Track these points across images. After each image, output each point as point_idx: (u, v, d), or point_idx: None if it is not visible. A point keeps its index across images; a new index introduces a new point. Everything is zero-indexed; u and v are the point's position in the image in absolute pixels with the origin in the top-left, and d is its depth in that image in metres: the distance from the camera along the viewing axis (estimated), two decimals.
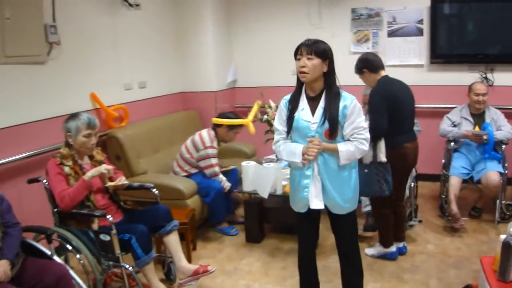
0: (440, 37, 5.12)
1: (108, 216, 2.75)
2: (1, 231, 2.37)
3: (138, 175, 4.12)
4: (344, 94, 2.49)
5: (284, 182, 3.84)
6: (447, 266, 3.48)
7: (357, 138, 2.45)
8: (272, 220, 4.20)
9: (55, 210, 2.89)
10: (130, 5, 4.53)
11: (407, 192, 3.82)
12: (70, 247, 2.76)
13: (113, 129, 4.22)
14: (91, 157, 3.07)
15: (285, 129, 2.56)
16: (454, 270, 3.41)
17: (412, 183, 4.14)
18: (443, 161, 4.49)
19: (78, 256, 2.78)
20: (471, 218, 4.32)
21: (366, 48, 5.38)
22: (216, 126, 4.24)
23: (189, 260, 3.49)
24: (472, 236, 3.99)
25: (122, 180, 3.05)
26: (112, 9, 4.34)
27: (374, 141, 3.15)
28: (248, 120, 4.26)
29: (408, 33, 5.25)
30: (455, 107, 4.53)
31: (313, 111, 2.48)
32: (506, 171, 4.16)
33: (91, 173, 2.88)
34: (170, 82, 5.41)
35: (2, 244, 2.34)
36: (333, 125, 2.42)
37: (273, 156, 4.42)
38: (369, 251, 3.69)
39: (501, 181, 4.02)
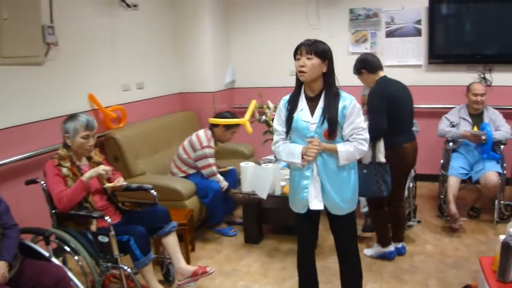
0: (438, 38, 5.12)
1: (107, 218, 2.73)
2: None
3: (136, 176, 4.11)
4: (344, 94, 2.48)
5: (282, 183, 3.83)
6: (446, 267, 3.47)
7: (356, 139, 2.44)
8: (270, 221, 4.19)
9: (53, 211, 2.88)
10: (128, 6, 4.52)
11: (405, 192, 3.82)
12: (68, 249, 2.75)
13: (111, 130, 4.21)
14: (89, 158, 3.06)
15: (284, 129, 2.56)
16: (453, 271, 3.40)
17: (411, 183, 4.14)
18: (441, 161, 4.49)
19: (76, 257, 2.76)
20: (470, 218, 4.33)
21: (364, 48, 5.38)
22: (213, 126, 4.24)
23: (188, 261, 3.48)
24: (471, 236, 3.99)
25: (120, 181, 3.04)
26: (110, 10, 4.33)
27: (373, 142, 3.15)
28: (245, 120, 4.26)
29: (406, 33, 5.26)
30: (454, 107, 4.53)
31: (312, 111, 2.48)
32: (505, 171, 4.16)
33: (89, 174, 2.87)
34: (168, 83, 5.40)
35: (0, 246, 2.32)
36: (332, 125, 2.42)
37: (271, 157, 4.41)
38: (368, 251, 3.69)
39: (500, 181, 4.02)
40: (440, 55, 5.17)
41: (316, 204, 2.51)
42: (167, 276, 3.35)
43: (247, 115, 4.34)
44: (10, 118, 3.31)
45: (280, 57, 5.62)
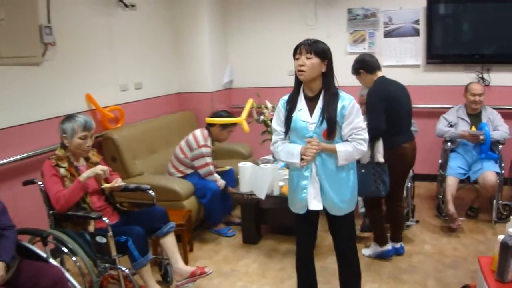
0: (436, 38, 5.13)
1: (104, 218, 2.73)
2: None
3: (134, 176, 4.10)
4: (343, 94, 2.48)
5: (281, 183, 3.83)
6: (445, 266, 3.47)
7: (355, 139, 2.44)
8: (269, 221, 4.19)
9: (51, 212, 2.87)
10: (126, 5, 4.51)
11: (404, 192, 3.82)
12: (66, 250, 2.73)
13: (108, 130, 4.20)
14: (87, 159, 3.05)
15: (283, 129, 2.55)
16: (452, 270, 3.40)
17: (409, 183, 4.14)
18: (440, 161, 4.50)
19: (74, 258, 2.75)
20: (468, 218, 4.33)
21: (362, 48, 5.38)
22: (209, 126, 4.23)
23: (186, 261, 3.47)
24: (469, 236, 3.99)
25: (118, 182, 3.03)
26: (108, 10, 4.32)
27: (372, 142, 3.15)
28: (241, 119, 4.26)
29: (404, 33, 5.25)
30: (452, 107, 4.54)
31: (311, 111, 2.47)
32: (503, 171, 4.16)
33: (86, 174, 2.86)
34: (166, 83, 5.40)
35: None
36: (331, 125, 2.41)
37: (269, 157, 4.40)
38: (366, 251, 3.69)
39: (498, 181, 4.02)
40: (438, 55, 5.17)
41: (315, 204, 2.50)
42: (165, 277, 3.34)
43: (244, 114, 4.34)
44: (7, 118, 3.29)
45: (278, 57, 5.62)
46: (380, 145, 3.26)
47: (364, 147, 2.46)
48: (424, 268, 3.46)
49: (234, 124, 4.27)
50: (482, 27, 5.00)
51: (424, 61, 5.24)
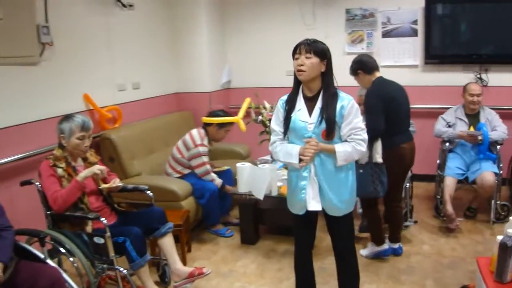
0: (434, 38, 5.13)
1: (102, 219, 2.72)
2: None
3: (132, 176, 4.09)
4: (342, 94, 2.47)
5: (279, 183, 3.82)
6: (443, 267, 3.47)
7: (354, 139, 2.43)
8: (267, 222, 4.18)
9: (48, 212, 2.86)
10: (124, 5, 4.50)
11: (402, 192, 3.82)
12: (63, 250, 2.72)
13: (106, 131, 4.18)
14: (84, 159, 3.04)
15: (282, 130, 2.55)
16: (450, 271, 3.40)
17: (407, 184, 4.14)
18: (438, 161, 4.50)
19: (71, 259, 2.74)
20: (466, 219, 4.33)
21: (360, 48, 5.38)
22: (206, 125, 4.22)
23: (184, 262, 3.46)
24: (467, 236, 3.99)
25: (116, 182, 3.02)
26: (105, 10, 4.31)
27: (370, 142, 3.15)
28: (238, 118, 4.25)
29: (403, 33, 5.26)
30: (450, 107, 4.54)
31: (310, 111, 2.47)
32: (501, 172, 4.16)
33: (84, 173, 2.85)
34: (164, 83, 5.38)
35: None
36: (330, 125, 2.41)
37: (268, 157, 4.40)
38: (363, 252, 3.69)
39: (496, 181, 4.02)
40: (436, 55, 5.17)
41: (314, 205, 2.50)
42: (163, 278, 3.33)
43: (241, 113, 4.33)
44: (5, 118, 3.28)
45: (276, 57, 5.62)
46: (378, 146, 3.26)
47: (363, 147, 2.45)
48: (422, 269, 3.46)
49: (231, 123, 4.26)
50: (480, 28, 5.00)
51: (422, 61, 5.25)
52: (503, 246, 2.17)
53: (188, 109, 5.52)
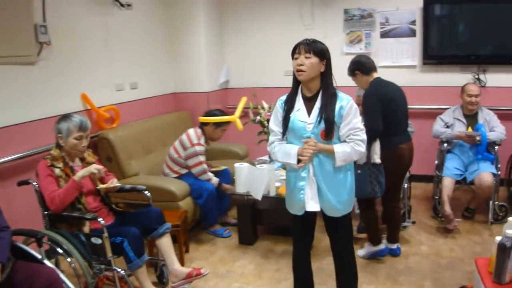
0: (432, 38, 5.13)
1: (100, 219, 2.71)
2: None
3: (130, 176, 4.07)
4: (341, 94, 2.47)
5: (277, 184, 3.82)
6: (441, 268, 3.47)
7: (353, 139, 2.42)
8: (265, 222, 4.17)
9: (46, 212, 2.84)
10: (122, 5, 4.49)
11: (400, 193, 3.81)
12: (60, 251, 2.71)
13: (104, 131, 4.17)
14: (82, 159, 3.02)
15: (281, 130, 2.54)
16: (448, 272, 3.40)
17: (406, 184, 4.13)
18: (436, 162, 4.50)
19: (69, 259, 2.73)
20: (464, 219, 4.33)
21: (359, 49, 5.38)
22: (203, 125, 4.22)
23: (182, 262, 3.45)
24: (465, 237, 3.99)
25: (114, 183, 3.01)
26: (103, 9, 4.29)
27: (368, 143, 3.14)
28: (234, 117, 4.25)
29: (401, 34, 5.26)
30: (448, 108, 4.54)
31: (309, 111, 2.46)
32: (499, 172, 4.16)
33: (81, 173, 2.83)
34: (162, 83, 5.37)
35: None
36: (329, 125, 2.40)
37: (266, 157, 4.40)
38: (360, 252, 3.68)
39: (494, 182, 4.02)
40: (434, 55, 5.17)
41: (313, 205, 2.49)
42: (161, 278, 3.32)
43: (237, 112, 4.33)
44: (2, 118, 3.26)
45: (274, 57, 5.62)
46: (377, 146, 3.26)
47: (362, 148, 2.45)
48: (420, 269, 3.46)
49: (227, 123, 4.26)
50: (478, 28, 5.01)
51: (420, 61, 5.25)
52: (501, 247, 2.17)
53: (186, 109, 5.51)
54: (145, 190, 3.24)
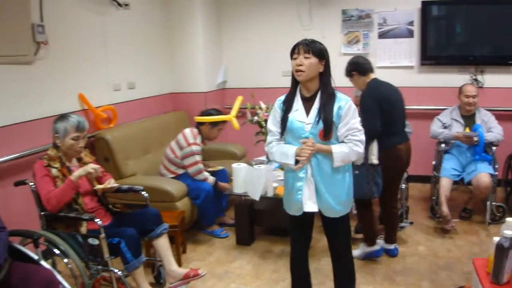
0: (430, 39, 5.14)
1: (97, 220, 2.69)
2: None
3: (127, 177, 4.06)
4: (339, 95, 2.47)
5: (275, 184, 3.81)
6: (439, 268, 3.47)
7: (351, 140, 2.42)
8: (263, 222, 4.17)
9: (42, 213, 2.83)
10: (119, 4, 4.47)
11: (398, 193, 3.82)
12: (57, 251, 2.70)
13: (101, 131, 4.16)
14: (79, 159, 3.01)
15: (279, 130, 2.54)
16: (446, 272, 3.40)
17: (403, 185, 4.14)
18: (433, 162, 4.50)
19: (65, 260, 2.72)
20: (462, 220, 4.34)
21: (356, 49, 5.38)
22: (199, 124, 4.21)
23: (179, 263, 3.44)
24: (463, 237, 3.99)
25: (111, 183, 2.99)
26: (101, 9, 4.28)
27: (366, 143, 3.14)
28: (231, 116, 4.24)
29: (399, 34, 5.26)
30: (446, 108, 4.54)
31: (307, 111, 2.46)
32: (497, 173, 4.16)
33: (78, 172, 2.82)
34: (160, 83, 5.36)
35: None
36: (327, 125, 2.40)
37: (263, 158, 4.39)
38: (355, 252, 3.66)
39: (492, 182, 4.03)
40: (432, 56, 5.18)
41: (311, 206, 2.49)
42: (158, 279, 3.31)
43: (233, 111, 4.32)
44: None
45: (272, 57, 5.62)
46: (374, 147, 3.26)
47: (361, 148, 2.44)
48: (418, 270, 3.46)
49: (223, 122, 4.26)
50: (476, 29, 5.02)
51: (418, 62, 5.25)
52: (499, 247, 2.17)
53: (184, 109, 5.50)
54: (143, 190, 3.23)
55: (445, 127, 4.37)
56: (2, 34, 3.18)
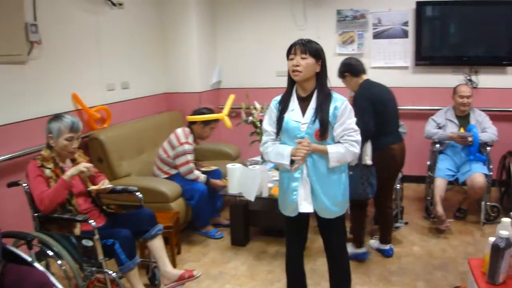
0: (425, 39, 5.15)
1: (91, 221, 2.67)
2: None
3: (121, 177, 4.04)
4: (335, 95, 2.46)
5: (270, 185, 3.80)
6: (434, 268, 3.47)
7: (347, 140, 2.41)
8: (258, 223, 4.15)
9: (36, 214, 2.80)
10: (113, 4, 4.45)
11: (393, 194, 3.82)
12: (51, 253, 2.67)
13: (95, 131, 4.13)
14: (73, 160, 2.99)
15: (274, 130, 2.53)
16: (441, 272, 3.41)
17: (398, 185, 4.14)
18: (428, 163, 4.51)
19: (59, 261, 2.69)
20: (456, 220, 4.35)
21: (351, 50, 5.37)
22: (191, 124, 4.19)
23: (174, 264, 3.43)
24: (458, 237, 4.00)
25: (105, 184, 2.97)
26: (95, 8, 4.26)
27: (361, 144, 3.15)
28: (222, 114, 4.23)
29: (393, 35, 5.26)
30: (440, 109, 4.55)
31: (303, 111, 2.45)
32: (491, 173, 4.17)
33: (70, 172, 2.78)
34: (154, 83, 5.34)
35: None
36: (323, 125, 2.39)
37: (258, 158, 4.38)
38: None
39: (486, 182, 4.04)
40: (426, 57, 5.18)
41: (306, 206, 2.48)
42: (153, 280, 3.29)
43: (225, 109, 4.31)
44: None
45: (267, 57, 5.62)
46: (368, 148, 3.26)
47: (357, 149, 2.43)
48: (413, 270, 3.46)
49: (216, 121, 4.25)
50: (470, 30, 5.03)
51: (412, 62, 5.26)
52: (495, 247, 2.17)
53: (178, 109, 5.48)
54: (137, 191, 3.21)
55: (440, 128, 4.38)
56: None
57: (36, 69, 3.56)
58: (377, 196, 3.45)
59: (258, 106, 4.34)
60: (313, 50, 2.39)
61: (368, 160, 3.26)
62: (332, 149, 2.41)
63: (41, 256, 2.74)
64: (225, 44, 5.90)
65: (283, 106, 2.51)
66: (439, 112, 4.50)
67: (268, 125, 2.57)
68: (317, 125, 2.40)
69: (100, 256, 2.67)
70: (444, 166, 4.24)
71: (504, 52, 4.95)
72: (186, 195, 3.97)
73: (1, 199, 3.19)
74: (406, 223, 4.26)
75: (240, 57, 5.85)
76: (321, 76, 2.45)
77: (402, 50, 5.26)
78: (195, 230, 4.22)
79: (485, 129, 4.24)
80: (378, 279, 3.34)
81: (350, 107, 2.44)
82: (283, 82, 2.56)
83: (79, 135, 2.91)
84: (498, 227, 2.26)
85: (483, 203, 4.17)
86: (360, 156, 3.23)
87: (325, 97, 2.42)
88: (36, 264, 2.47)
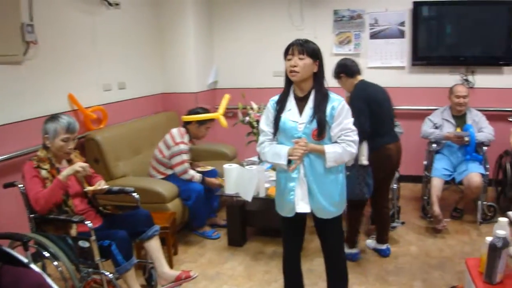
0: (421, 40, 5.15)
1: (87, 222, 2.66)
2: None
3: (117, 178, 4.03)
4: (333, 95, 2.46)
5: (267, 185, 3.80)
6: (431, 268, 3.48)
7: (344, 140, 2.42)
8: (254, 223, 4.15)
9: (32, 215, 2.79)
10: (110, 4, 4.43)
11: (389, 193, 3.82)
12: (47, 254, 2.66)
13: (91, 131, 4.11)
14: (69, 161, 2.97)
15: (272, 130, 2.53)
16: (438, 272, 3.41)
17: (395, 185, 4.15)
18: (425, 162, 4.51)
19: (55, 263, 2.68)
20: (453, 219, 4.35)
21: (348, 50, 5.38)
22: (186, 124, 4.19)
23: (171, 265, 3.42)
24: (454, 237, 4.01)
25: (101, 185, 2.96)
26: (91, 8, 4.24)
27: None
28: (218, 114, 4.22)
29: (390, 35, 5.27)
30: (437, 109, 4.56)
31: (300, 111, 2.45)
32: (488, 173, 4.18)
33: (66, 172, 2.77)
34: (150, 83, 5.33)
35: None
36: (321, 125, 2.39)
37: (254, 158, 4.37)
38: None
39: (483, 182, 4.05)
40: (423, 57, 5.19)
41: (303, 206, 2.48)
42: (150, 281, 3.28)
43: (221, 109, 4.31)
44: None
45: (263, 58, 5.61)
46: (364, 148, 3.27)
47: (354, 148, 2.43)
48: (410, 270, 3.46)
49: (211, 120, 4.24)
50: (467, 30, 5.05)
51: (409, 62, 5.26)
52: (492, 247, 2.17)
53: (175, 109, 5.46)
54: (133, 192, 3.20)
55: (436, 127, 4.39)
56: None
57: (32, 69, 3.55)
58: (374, 196, 3.45)
59: (255, 106, 4.34)
60: (311, 50, 2.40)
61: (364, 160, 3.26)
62: (329, 149, 2.41)
63: (37, 257, 2.73)
64: (222, 44, 5.90)
65: (281, 106, 2.50)
66: (436, 112, 4.51)
67: (265, 125, 2.56)
68: (314, 125, 2.40)
69: (97, 257, 2.66)
70: (441, 166, 4.25)
71: (500, 52, 4.96)
72: (183, 195, 3.97)
73: None
74: (403, 223, 4.27)
75: (237, 57, 5.85)
76: (318, 76, 2.45)
77: (399, 50, 5.27)
78: (191, 230, 4.21)
79: (482, 129, 4.25)
80: (375, 279, 3.35)
81: (347, 107, 2.45)
82: (280, 82, 2.56)
83: (75, 136, 2.90)
84: (495, 227, 2.26)
85: (479, 202, 4.18)
86: (356, 157, 3.23)
87: (322, 97, 2.42)
88: (33, 266, 2.46)
